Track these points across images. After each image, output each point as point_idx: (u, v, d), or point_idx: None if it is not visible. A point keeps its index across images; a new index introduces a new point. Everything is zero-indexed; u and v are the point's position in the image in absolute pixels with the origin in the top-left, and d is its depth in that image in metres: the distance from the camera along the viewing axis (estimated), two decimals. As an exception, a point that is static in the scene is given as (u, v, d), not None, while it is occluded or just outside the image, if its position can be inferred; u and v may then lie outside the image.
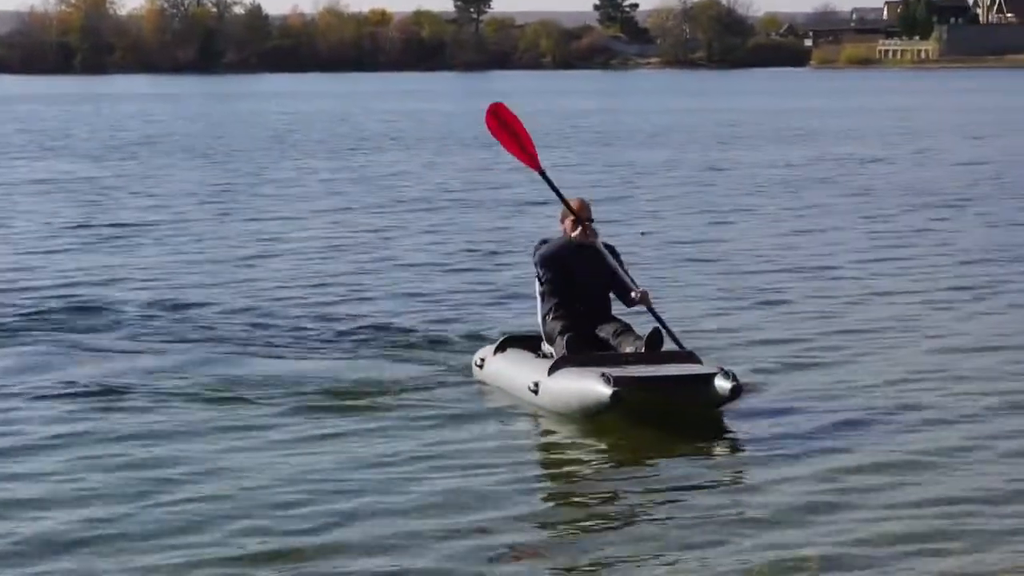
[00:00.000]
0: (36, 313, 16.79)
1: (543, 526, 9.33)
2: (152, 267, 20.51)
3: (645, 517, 9.51)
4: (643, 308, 12.53)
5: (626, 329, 12.15)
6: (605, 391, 10.97)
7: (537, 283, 12.61)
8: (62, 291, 18.31)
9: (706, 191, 31.94)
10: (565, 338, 12.01)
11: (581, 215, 12.43)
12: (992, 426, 11.71)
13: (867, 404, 12.27)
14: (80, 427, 11.70)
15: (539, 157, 12.99)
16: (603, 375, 11.11)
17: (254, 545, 8.89)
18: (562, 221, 12.62)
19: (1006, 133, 53.09)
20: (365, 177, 35.98)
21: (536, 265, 12.52)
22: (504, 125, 12.90)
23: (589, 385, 11.19)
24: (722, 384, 11.28)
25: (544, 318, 12.41)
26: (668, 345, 12.19)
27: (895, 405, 12.24)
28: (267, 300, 17.85)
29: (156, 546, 8.92)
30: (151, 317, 16.55)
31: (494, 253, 21.98)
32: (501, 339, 12.94)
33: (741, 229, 25.10)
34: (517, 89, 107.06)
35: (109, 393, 12.76)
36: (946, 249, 22.20)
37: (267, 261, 21.35)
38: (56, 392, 12.92)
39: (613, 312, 12.57)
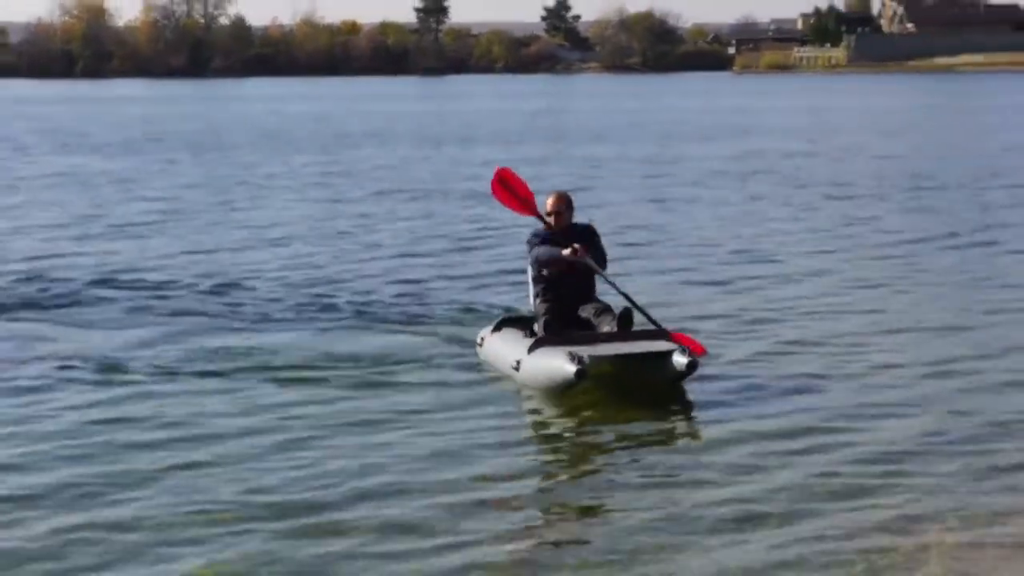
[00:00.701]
0: (55, 294, 16.61)
1: (529, 499, 9.14)
2: (167, 253, 20.16)
3: (623, 483, 9.42)
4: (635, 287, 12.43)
5: (605, 310, 12.04)
6: (570, 368, 10.99)
7: (529, 269, 12.52)
8: (91, 274, 18.05)
9: (653, 182, 31.65)
10: (543, 320, 12.05)
11: (558, 209, 12.40)
12: (926, 388, 11.79)
13: (816, 373, 12.20)
14: (119, 406, 11.40)
15: (532, 197, 12.71)
16: (570, 354, 11.11)
17: (280, 512, 8.71)
18: (548, 214, 12.44)
19: (916, 130, 53.06)
20: (358, 171, 35.45)
21: (531, 256, 12.37)
22: (507, 188, 12.71)
23: (558, 363, 11.16)
24: (679, 360, 11.24)
25: (535, 301, 12.32)
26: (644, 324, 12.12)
27: (842, 374, 12.19)
28: (283, 282, 17.50)
29: (181, 507, 8.79)
30: (163, 299, 16.24)
31: (495, 238, 21.53)
32: (498, 320, 12.84)
33: (690, 216, 24.80)
34: (474, 92, 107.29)
35: (137, 372, 12.50)
36: (882, 235, 21.93)
37: (277, 247, 20.95)
38: (97, 370, 12.60)
39: (597, 293, 12.44)
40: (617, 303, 12.20)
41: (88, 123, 61.28)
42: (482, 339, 12.65)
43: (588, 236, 12.43)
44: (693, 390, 11.58)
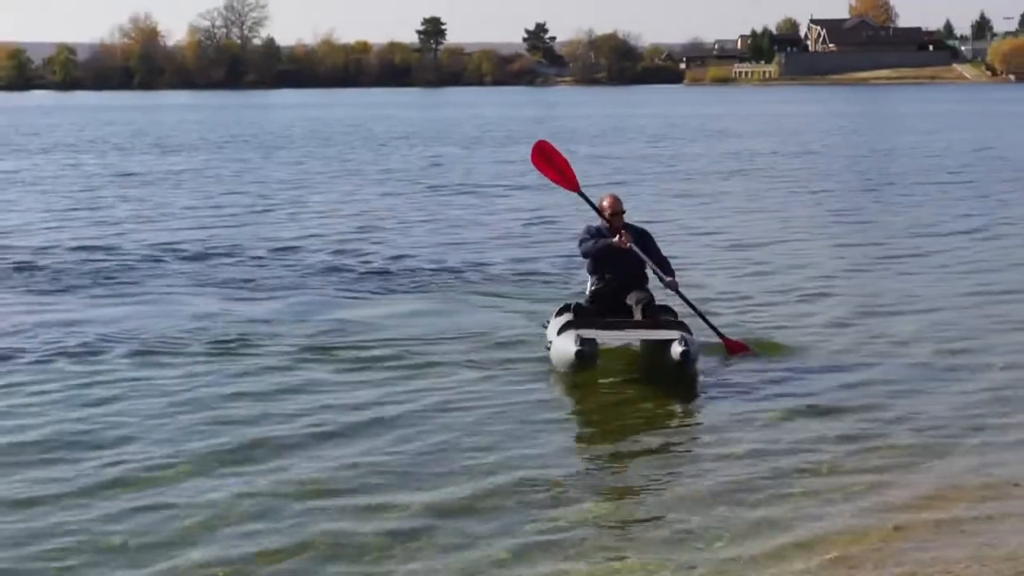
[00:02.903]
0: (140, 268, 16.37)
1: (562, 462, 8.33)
2: (268, 237, 19.67)
3: (645, 452, 8.59)
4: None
5: (642, 299, 11.03)
6: (572, 350, 10.15)
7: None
8: (191, 253, 17.75)
9: (648, 178, 31.02)
10: (573, 306, 11.09)
11: (614, 208, 11.26)
12: (955, 361, 10.92)
13: (825, 355, 11.20)
14: (198, 371, 10.67)
15: (571, 170, 11.65)
16: (578, 337, 10.21)
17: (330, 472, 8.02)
18: (612, 214, 11.28)
19: (860, 132, 52.52)
20: (408, 168, 34.54)
21: (581, 252, 11.43)
22: (547, 158, 11.62)
23: (567, 345, 10.29)
24: (676, 349, 10.09)
25: (589, 289, 11.43)
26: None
27: (856, 357, 11.14)
28: (375, 262, 16.90)
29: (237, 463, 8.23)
30: (273, 275, 15.85)
31: (560, 228, 20.08)
32: (562, 304, 11.65)
33: (700, 207, 24.00)
34: (472, 101, 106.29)
35: (200, 348, 11.56)
36: (870, 224, 21.15)
37: (351, 234, 20.06)
38: (184, 340, 11.80)
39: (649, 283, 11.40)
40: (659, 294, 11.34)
41: (163, 128, 60.63)
42: (547, 322, 11.58)
43: (645, 239, 11.41)
44: (733, 372, 10.67)
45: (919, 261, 16.95)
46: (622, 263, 11.14)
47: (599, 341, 10.39)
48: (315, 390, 10.06)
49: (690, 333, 10.57)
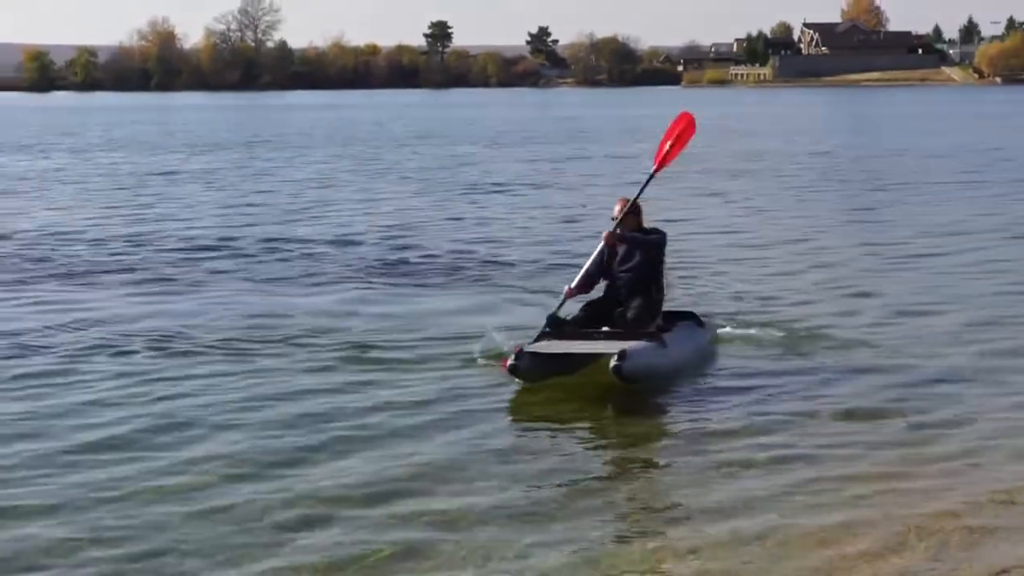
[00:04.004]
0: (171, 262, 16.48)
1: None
2: (307, 235, 19.54)
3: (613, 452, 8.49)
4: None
5: (626, 313, 10.54)
6: (509, 362, 9.70)
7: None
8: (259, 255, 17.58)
9: (667, 178, 29.77)
10: (549, 316, 10.44)
11: (620, 212, 10.78)
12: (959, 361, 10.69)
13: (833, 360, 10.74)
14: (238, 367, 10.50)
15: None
16: (515, 352, 9.74)
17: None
18: (612, 219, 10.91)
19: (859, 132, 52.09)
20: (443, 166, 34.26)
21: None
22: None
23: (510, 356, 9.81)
24: (609, 364, 9.55)
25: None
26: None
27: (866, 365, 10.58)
28: (418, 256, 16.90)
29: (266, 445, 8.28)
30: (302, 269, 15.94)
31: (584, 228, 19.43)
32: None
33: (713, 208, 23.77)
34: (476, 102, 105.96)
35: (212, 345, 11.34)
36: (887, 223, 20.86)
37: (392, 233, 19.78)
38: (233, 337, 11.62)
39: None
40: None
41: (187, 127, 60.24)
42: None
43: (646, 238, 10.79)
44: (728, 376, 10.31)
45: (941, 260, 16.54)
46: (615, 275, 10.72)
47: (564, 352, 9.86)
48: (345, 391, 9.74)
49: (665, 345, 10.01)
